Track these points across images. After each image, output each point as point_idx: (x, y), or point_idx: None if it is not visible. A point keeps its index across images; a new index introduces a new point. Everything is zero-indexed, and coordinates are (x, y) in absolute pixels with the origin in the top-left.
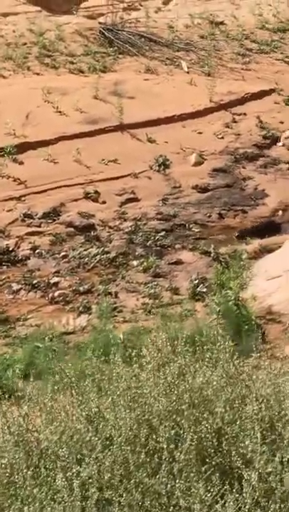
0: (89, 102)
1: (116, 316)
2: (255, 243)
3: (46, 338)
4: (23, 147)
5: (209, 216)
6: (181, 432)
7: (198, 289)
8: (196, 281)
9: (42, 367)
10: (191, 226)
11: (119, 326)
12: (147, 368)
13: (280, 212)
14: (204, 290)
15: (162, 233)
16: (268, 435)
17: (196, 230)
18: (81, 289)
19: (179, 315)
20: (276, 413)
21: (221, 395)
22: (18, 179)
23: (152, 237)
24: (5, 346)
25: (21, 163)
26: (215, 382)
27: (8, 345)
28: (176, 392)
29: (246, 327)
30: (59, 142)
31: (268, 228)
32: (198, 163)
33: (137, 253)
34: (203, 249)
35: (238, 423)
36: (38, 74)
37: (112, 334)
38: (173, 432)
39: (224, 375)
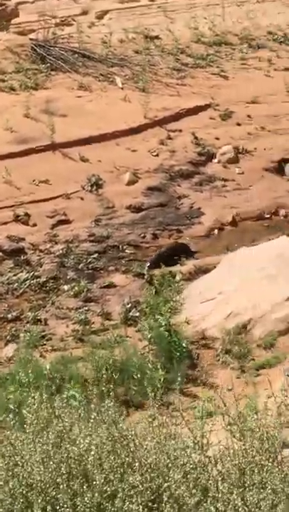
0: (20, 120)
1: (44, 344)
2: (190, 264)
3: None
4: None
5: (143, 237)
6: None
7: (131, 313)
8: (129, 305)
9: None
10: (124, 247)
11: (47, 355)
12: (28, 430)
13: (216, 231)
14: (137, 314)
15: (95, 255)
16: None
17: (130, 252)
18: (9, 316)
19: (109, 341)
20: (161, 483)
21: (103, 464)
22: None
23: (84, 260)
24: None
25: None
26: (93, 452)
27: None
28: (52, 461)
29: (178, 354)
30: None
31: (178, 251)
32: (131, 182)
33: (68, 277)
34: (137, 271)
35: (119, 496)
36: None
37: (38, 364)
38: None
39: (107, 440)
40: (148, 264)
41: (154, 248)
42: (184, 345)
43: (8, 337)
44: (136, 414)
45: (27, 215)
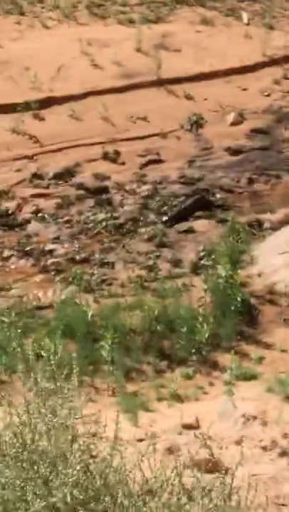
0: (129, 54)
1: (103, 289)
2: (281, 212)
3: (13, 312)
4: (48, 102)
5: (237, 181)
6: None
7: (202, 261)
8: (202, 253)
9: None
10: (215, 191)
11: (102, 301)
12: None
13: None
14: (209, 263)
15: (181, 198)
16: None
17: (220, 196)
18: (77, 257)
19: (169, 290)
20: None
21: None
22: (35, 137)
23: (170, 203)
24: None
25: (42, 119)
26: None
27: None
28: None
29: (232, 308)
30: (88, 97)
31: (200, 207)
32: (236, 123)
33: (148, 220)
34: (221, 218)
35: None
36: (83, 24)
37: (83, 310)
38: None
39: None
40: (165, 219)
41: (248, 194)
42: (239, 298)
43: (69, 279)
44: (177, 371)
45: (117, 152)
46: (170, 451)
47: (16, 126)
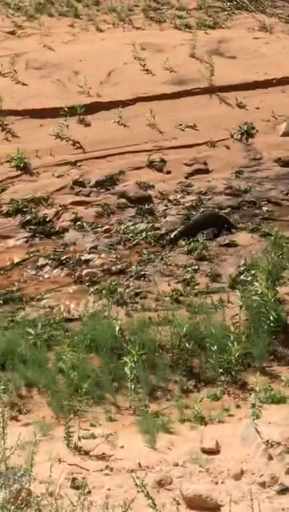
0: (183, 60)
1: (136, 302)
2: None
3: (40, 324)
4: (95, 107)
5: (287, 194)
6: None
7: (242, 277)
8: (243, 267)
9: (21, 357)
10: (261, 204)
11: (135, 314)
12: None
13: None
14: (248, 279)
15: (227, 210)
16: None
17: (266, 209)
18: (114, 268)
19: (204, 306)
20: None
21: None
22: (78, 142)
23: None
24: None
25: (88, 124)
26: None
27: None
28: None
29: (266, 326)
30: (136, 103)
31: (213, 223)
32: (288, 133)
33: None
34: (265, 232)
35: None
36: (138, 28)
37: (111, 324)
38: None
39: None
40: (173, 234)
41: None
42: (272, 317)
43: (103, 291)
44: (204, 391)
45: (163, 161)
46: (160, 484)
47: (60, 131)
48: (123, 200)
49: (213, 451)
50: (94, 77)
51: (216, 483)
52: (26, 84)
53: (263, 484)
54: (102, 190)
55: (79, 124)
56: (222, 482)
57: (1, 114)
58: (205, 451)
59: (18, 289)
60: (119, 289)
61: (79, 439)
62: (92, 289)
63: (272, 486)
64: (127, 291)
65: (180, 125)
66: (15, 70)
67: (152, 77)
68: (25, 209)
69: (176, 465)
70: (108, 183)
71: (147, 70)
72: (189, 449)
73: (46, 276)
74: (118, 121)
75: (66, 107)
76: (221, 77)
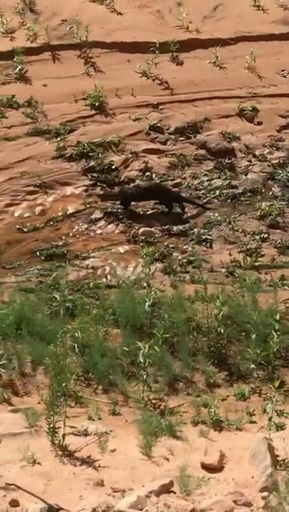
0: None
1: (187, 272)
2: None
3: (67, 289)
4: (192, 44)
5: None
6: None
7: None
8: None
9: (35, 328)
10: None
11: (180, 287)
12: None
13: None
14: None
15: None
16: None
17: None
18: (175, 228)
19: (259, 284)
20: None
21: None
22: (166, 82)
23: None
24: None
25: (180, 63)
26: None
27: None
28: None
29: None
30: (238, 43)
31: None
32: None
33: (270, 193)
34: None
35: None
36: None
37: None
38: None
39: None
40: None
41: None
42: None
43: (156, 255)
44: (233, 386)
45: (255, 110)
46: None
47: (148, 69)
48: (202, 152)
49: (215, 468)
50: (198, 9)
51: None
52: (121, 14)
53: None
54: (181, 139)
55: (170, 62)
56: None
57: (86, 46)
58: (205, 466)
59: (64, 243)
60: (174, 254)
61: (63, 436)
62: (144, 251)
63: None
64: (180, 257)
65: (283, 71)
66: None
67: (262, 14)
68: (91, 153)
69: (148, 497)
70: (190, 130)
71: (258, 6)
72: (188, 462)
73: (98, 232)
74: (214, 62)
75: (158, 43)
76: None
